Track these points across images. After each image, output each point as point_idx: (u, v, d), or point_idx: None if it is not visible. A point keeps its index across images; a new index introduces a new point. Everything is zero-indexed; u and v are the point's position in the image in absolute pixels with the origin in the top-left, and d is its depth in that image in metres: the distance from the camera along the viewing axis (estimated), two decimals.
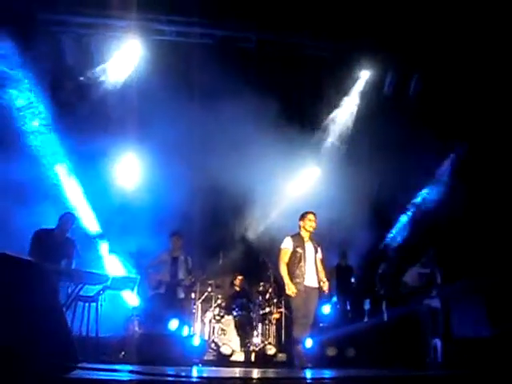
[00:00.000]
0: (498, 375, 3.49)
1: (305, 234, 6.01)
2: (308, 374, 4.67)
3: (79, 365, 2.91)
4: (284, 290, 5.77)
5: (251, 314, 7.59)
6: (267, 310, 7.75)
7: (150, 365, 4.83)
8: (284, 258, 5.86)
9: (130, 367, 4.13)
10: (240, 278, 8.22)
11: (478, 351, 5.78)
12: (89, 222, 7.84)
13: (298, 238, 5.98)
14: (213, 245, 8.49)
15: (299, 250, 5.85)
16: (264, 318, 7.69)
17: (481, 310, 5.99)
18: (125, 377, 2.78)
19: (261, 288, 7.97)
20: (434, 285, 7.13)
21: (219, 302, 7.67)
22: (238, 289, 8.14)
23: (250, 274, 8.40)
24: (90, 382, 2.50)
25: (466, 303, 6.37)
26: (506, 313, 5.95)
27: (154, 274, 7.11)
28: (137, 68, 7.86)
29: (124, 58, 7.82)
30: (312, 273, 5.84)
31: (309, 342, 6.04)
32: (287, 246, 5.91)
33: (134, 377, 2.83)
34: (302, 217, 6.03)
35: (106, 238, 7.63)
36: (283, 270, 5.80)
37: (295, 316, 5.74)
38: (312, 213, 6.01)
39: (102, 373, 2.86)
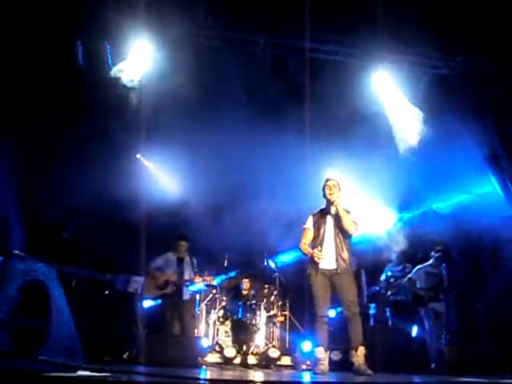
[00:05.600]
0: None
1: (329, 206, 5.23)
2: (312, 378, 4.66)
3: (83, 365, 2.92)
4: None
5: (255, 316, 7.59)
6: (272, 312, 7.75)
7: (153, 366, 4.84)
8: (304, 237, 5.17)
9: (133, 368, 4.14)
10: (246, 280, 8.23)
11: (481, 357, 5.76)
12: None
13: (320, 213, 5.27)
14: (219, 247, 8.51)
15: (319, 226, 5.14)
16: (268, 321, 7.69)
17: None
18: (128, 378, 2.79)
19: (266, 291, 7.97)
20: (440, 288, 7.11)
21: (224, 303, 7.68)
22: (243, 291, 8.15)
23: (255, 276, 8.40)
24: (93, 382, 2.50)
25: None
26: None
27: (160, 274, 7.12)
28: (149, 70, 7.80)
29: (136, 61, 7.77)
30: (332, 252, 5.03)
31: (307, 346, 5.84)
32: (307, 224, 5.24)
33: (136, 378, 2.84)
34: (323, 186, 5.29)
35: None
36: (302, 248, 5.12)
37: (315, 312, 4.99)
38: (330, 179, 5.27)
39: (105, 374, 2.86)
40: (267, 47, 7.79)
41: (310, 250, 5.05)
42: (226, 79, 7.22)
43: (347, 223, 5.07)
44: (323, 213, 5.27)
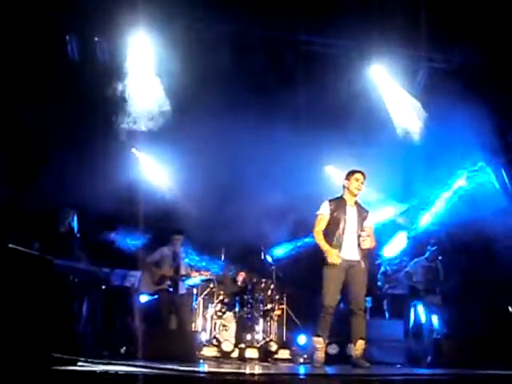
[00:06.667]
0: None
1: (349, 197, 5.06)
2: (309, 370, 4.67)
3: (80, 359, 2.92)
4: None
5: (253, 310, 7.60)
6: (269, 306, 7.76)
7: (150, 360, 4.83)
8: (319, 224, 5.00)
9: (131, 363, 4.14)
10: (242, 274, 8.23)
11: (477, 349, 5.80)
12: None
13: (338, 202, 5.06)
14: (215, 241, 8.52)
15: (338, 215, 4.95)
16: (266, 315, 7.70)
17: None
18: (125, 372, 2.78)
19: (263, 284, 7.98)
20: (436, 281, 7.13)
21: (221, 298, 7.68)
22: (239, 285, 8.15)
23: (252, 270, 8.41)
24: (90, 376, 2.50)
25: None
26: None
27: (157, 269, 7.11)
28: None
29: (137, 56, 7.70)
30: (353, 243, 4.90)
31: (303, 339, 5.78)
32: (323, 211, 5.02)
33: (134, 372, 2.83)
34: (348, 176, 5.09)
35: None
36: (318, 238, 4.94)
37: (321, 303, 4.84)
38: (360, 172, 5.05)
39: (102, 367, 2.86)
40: (263, 40, 7.77)
41: (327, 246, 4.87)
42: (222, 72, 7.18)
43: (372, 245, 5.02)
44: (342, 202, 5.07)
